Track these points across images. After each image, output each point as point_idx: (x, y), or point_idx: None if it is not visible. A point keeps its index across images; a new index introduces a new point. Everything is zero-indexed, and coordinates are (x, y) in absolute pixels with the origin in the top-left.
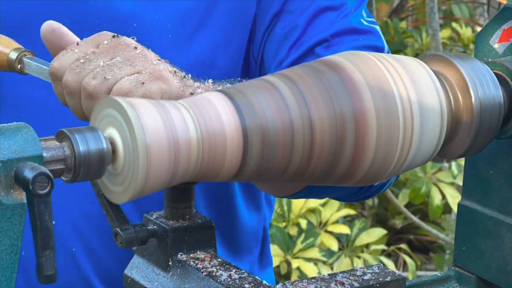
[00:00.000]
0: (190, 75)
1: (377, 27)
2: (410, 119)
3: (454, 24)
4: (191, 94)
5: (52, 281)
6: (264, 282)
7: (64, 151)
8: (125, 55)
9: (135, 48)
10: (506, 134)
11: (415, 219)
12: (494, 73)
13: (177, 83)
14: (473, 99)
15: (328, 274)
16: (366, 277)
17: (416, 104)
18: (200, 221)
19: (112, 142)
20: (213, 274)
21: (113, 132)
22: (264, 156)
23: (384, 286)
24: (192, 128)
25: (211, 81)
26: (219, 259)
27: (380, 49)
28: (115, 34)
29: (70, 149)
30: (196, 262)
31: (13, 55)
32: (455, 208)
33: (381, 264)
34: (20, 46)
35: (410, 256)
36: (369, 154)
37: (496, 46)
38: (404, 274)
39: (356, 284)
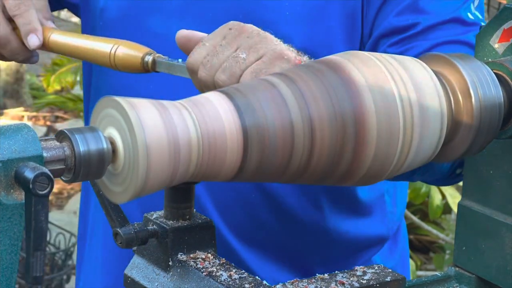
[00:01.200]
0: (307, 56)
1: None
2: (410, 119)
3: None
4: None
5: (39, 283)
6: (264, 282)
7: (64, 151)
8: (248, 42)
9: (257, 33)
10: (506, 134)
11: (415, 219)
12: (494, 73)
13: (296, 60)
14: (473, 99)
15: (328, 274)
16: (366, 277)
17: (416, 104)
18: (200, 221)
19: (112, 142)
20: (213, 274)
21: (113, 132)
22: (264, 156)
23: (384, 286)
24: (192, 128)
25: None
26: (219, 259)
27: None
28: (238, 23)
29: (70, 149)
30: (196, 262)
31: (148, 58)
32: (455, 208)
33: (381, 264)
34: (149, 49)
35: (410, 256)
36: (369, 154)
37: (496, 46)
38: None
39: (356, 284)
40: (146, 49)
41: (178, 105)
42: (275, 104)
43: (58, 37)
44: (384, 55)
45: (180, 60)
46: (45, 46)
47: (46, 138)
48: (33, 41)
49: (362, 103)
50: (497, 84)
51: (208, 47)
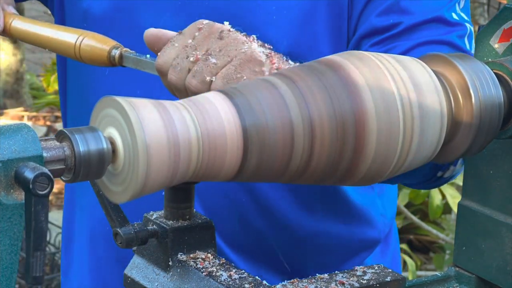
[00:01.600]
0: (285, 57)
1: (468, 25)
2: (410, 119)
3: None
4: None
5: (40, 283)
6: (264, 282)
7: (64, 151)
8: (218, 44)
9: (227, 34)
10: (506, 134)
11: (415, 219)
12: (494, 73)
13: (268, 63)
14: (473, 99)
15: (328, 274)
16: (366, 277)
17: (416, 104)
18: (200, 221)
19: (112, 142)
20: (213, 274)
21: (113, 132)
22: (264, 156)
23: (384, 286)
24: (192, 128)
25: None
26: (219, 259)
27: (456, 47)
28: (208, 22)
29: (70, 149)
30: (196, 262)
31: (115, 52)
32: (455, 208)
33: (381, 264)
34: (116, 42)
35: (410, 256)
36: (369, 154)
37: (496, 46)
38: (404, 274)
39: (356, 284)
40: (113, 42)
41: (178, 105)
42: (275, 104)
43: (20, 24)
44: (384, 55)
45: (148, 56)
46: (6, 32)
47: (46, 138)
48: None
49: (362, 103)
50: (497, 84)
51: (177, 48)
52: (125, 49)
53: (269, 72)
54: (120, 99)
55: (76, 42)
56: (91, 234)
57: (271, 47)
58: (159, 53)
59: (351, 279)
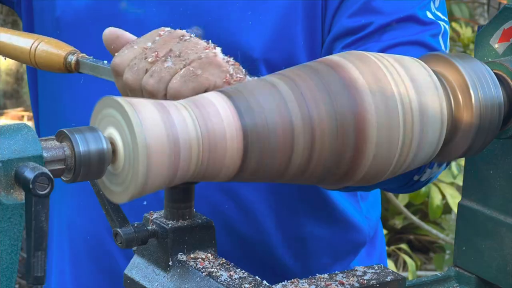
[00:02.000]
0: (244, 70)
1: (443, 24)
2: (410, 119)
3: (454, 24)
4: (240, 79)
5: (41, 283)
6: (264, 282)
7: (64, 151)
8: (178, 47)
9: (188, 39)
10: (506, 134)
11: (415, 219)
12: (494, 73)
13: (228, 68)
14: (473, 99)
15: (328, 274)
16: (366, 277)
17: (416, 104)
18: (200, 221)
19: (112, 142)
20: (213, 274)
21: (113, 132)
22: (264, 156)
23: (384, 286)
24: (192, 128)
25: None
26: (219, 259)
27: (429, 47)
28: (169, 29)
29: (70, 149)
30: (196, 262)
31: (71, 58)
32: (455, 208)
33: (381, 264)
34: (73, 48)
35: (410, 256)
36: (369, 154)
37: (496, 46)
38: (404, 274)
39: (356, 284)
40: (69, 48)
41: (178, 105)
42: (275, 104)
43: None
44: (384, 55)
45: (105, 61)
46: None
47: (46, 138)
48: None
49: (362, 103)
50: (497, 84)
51: (136, 50)
52: (81, 54)
53: (231, 77)
54: (120, 99)
55: (31, 47)
56: (70, 245)
57: (231, 58)
58: (116, 54)
59: (351, 279)
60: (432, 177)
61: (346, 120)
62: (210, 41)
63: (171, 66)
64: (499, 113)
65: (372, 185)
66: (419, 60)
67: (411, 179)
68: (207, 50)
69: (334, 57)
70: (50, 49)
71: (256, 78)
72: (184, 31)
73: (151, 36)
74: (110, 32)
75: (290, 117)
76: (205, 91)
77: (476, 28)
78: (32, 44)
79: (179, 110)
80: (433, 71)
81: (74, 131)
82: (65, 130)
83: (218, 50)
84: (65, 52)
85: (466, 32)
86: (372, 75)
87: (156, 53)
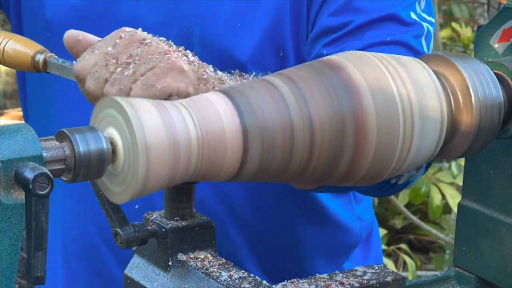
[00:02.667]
0: (212, 67)
1: (426, 25)
2: (410, 119)
3: (454, 24)
4: (205, 80)
5: (41, 283)
6: (264, 282)
7: (64, 151)
8: (139, 53)
9: (149, 43)
10: (506, 134)
11: (415, 219)
12: (494, 73)
13: (192, 71)
14: (473, 99)
15: (328, 274)
16: (366, 277)
17: (416, 104)
18: (200, 221)
19: (112, 142)
20: (213, 274)
21: (113, 132)
22: (264, 156)
23: (384, 286)
24: (192, 128)
25: (238, 72)
26: (219, 259)
27: (410, 48)
28: (131, 29)
29: (70, 149)
30: (196, 262)
31: (39, 57)
32: (455, 208)
33: (381, 264)
34: (42, 47)
35: (410, 256)
36: (369, 153)
37: (496, 46)
38: (404, 274)
39: (356, 284)
40: (38, 47)
41: (178, 105)
42: (275, 104)
43: None
44: (384, 55)
45: (74, 62)
46: None
47: (46, 138)
48: None
49: (362, 103)
50: (497, 84)
51: (97, 55)
52: (50, 54)
53: (196, 79)
54: (120, 99)
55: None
56: (63, 250)
57: (195, 56)
58: (77, 59)
59: (351, 279)
60: (410, 181)
61: (346, 120)
62: (171, 42)
63: (131, 73)
64: (499, 113)
65: (348, 187)
66: (419, 60)
67: (388, 182)
68: (168, 55)
69: (335, 57)
70: (19, 47)
71: (255, 77)
72: (145, 34)
73: (111, 38)
74: (71, 35)
75: (290, 117)
76: (170, 95)
77: (476, 28)
78: (1, 42)
79: (179, 110)
80: (433, 71)
81: (74, 131)
82: (65, 130)
83: (177, 53)
84: (33, 51)
85: (466, 32)
86: (372, 75)
87: (116, 59)
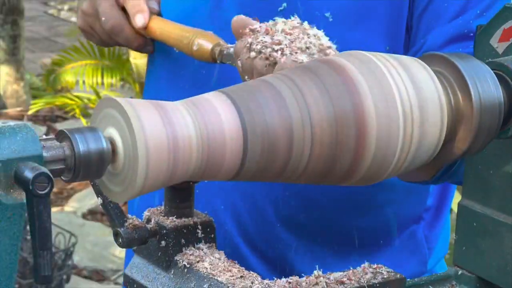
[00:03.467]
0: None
1: None
2: (410, 119)
3: None
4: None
5: (49, 282)
6: (266, 280)
7: (64, 151)
8: (295, 35)
9: (308, 29)
10: (506, 134)
11: None
12: (494, 73)
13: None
14: (473, 99)
15: (328, 273)
16: (366, 277)
17: (416, 104)
18: (200, 220)
19: (112, 142)
20: (214, 273)
21: (113, 132)
22: (264, 155)
23: (384, 286)
24: (192, 128)
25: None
26: (220, 258)
27: None
28: (296, 19)
29: (70, 149)
30: (197, 261)
31: (216, 49)
32: (455, 208)
33: (381, 264)
34: (219, 40)
35: None
36: (369, 154)
37: (496, 46)
38: None
39: (356, 284)
40: (217, 40)
41: (177, 105)
42: (274, 104)
43: (155, 24)
44: (384, 55)
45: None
46: (146, 28)
47: (46, 138)
48: (138, 19)
49: (362, 103)
50: (497, 84)
51: (254, 36)
52: (226, 46)
53: None
54: (120, 99)
55: (190, 41)
56: None
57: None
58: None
59: (351, 278)
60: None
61: (346, 120)
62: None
63: (276, 47)
64: (499, 113)
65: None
66: (419, 60)
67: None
68: (321, 40)
69: (335, 58)
70: (202, 42)
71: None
72: (307, 24)
73: (268, 25)
74: (236, 20)
75: (290, 117)
76: None
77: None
78: (190, 39)
79: (179, 110)
80: (433, 71)
81: (74, 131)
82: (65, 130)
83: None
84: (212, 44)
85: None
86: (372, 75)
87: (273, 40)
